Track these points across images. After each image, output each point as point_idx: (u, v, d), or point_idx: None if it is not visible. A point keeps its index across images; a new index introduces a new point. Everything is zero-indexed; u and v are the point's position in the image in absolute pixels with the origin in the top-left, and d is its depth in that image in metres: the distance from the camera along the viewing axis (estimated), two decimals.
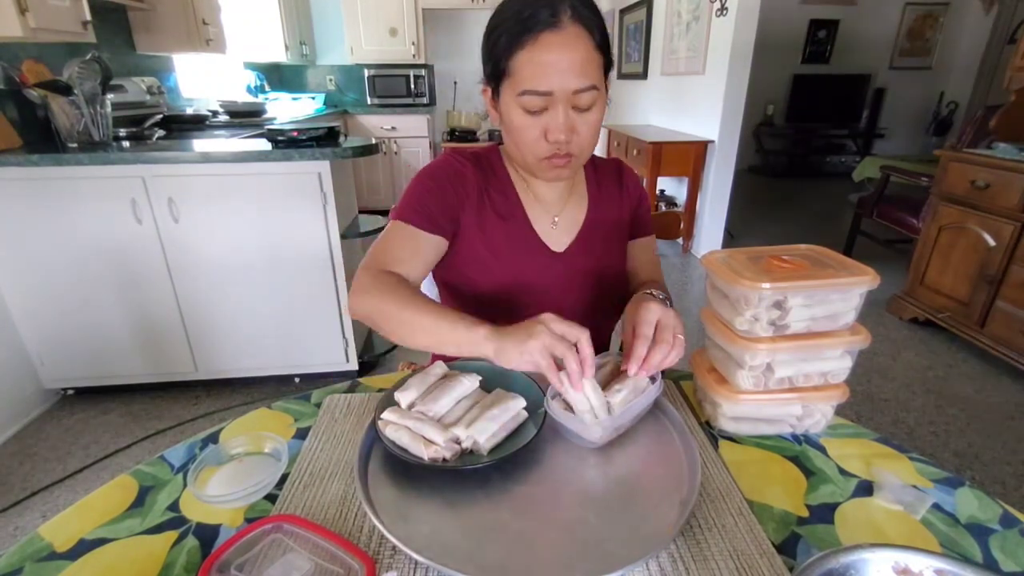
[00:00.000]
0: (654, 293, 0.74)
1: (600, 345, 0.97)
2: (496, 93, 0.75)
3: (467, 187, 0.82)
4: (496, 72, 0.72)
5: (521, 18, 0.68)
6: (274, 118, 3.36)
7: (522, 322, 0.60)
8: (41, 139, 1.97)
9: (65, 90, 1.83)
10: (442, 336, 0.64)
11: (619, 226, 0.92)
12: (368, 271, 0.73)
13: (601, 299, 0.90)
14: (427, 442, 0.57)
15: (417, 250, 0.77)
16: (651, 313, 0.64)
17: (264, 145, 1.83)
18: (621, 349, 1.12)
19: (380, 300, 0.69)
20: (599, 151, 5.62)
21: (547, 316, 0.59)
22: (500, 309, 0.84)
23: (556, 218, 0.87)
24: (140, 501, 0.56)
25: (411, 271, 0.76)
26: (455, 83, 4.99)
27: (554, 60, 0.67)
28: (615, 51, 5.13)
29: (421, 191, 0.79)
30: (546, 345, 0.56)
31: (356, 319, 0.73)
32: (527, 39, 0.67)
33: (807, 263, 0.62)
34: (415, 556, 0.46)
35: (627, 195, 0.93)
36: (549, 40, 0.67)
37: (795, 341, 0.61)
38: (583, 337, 0.58)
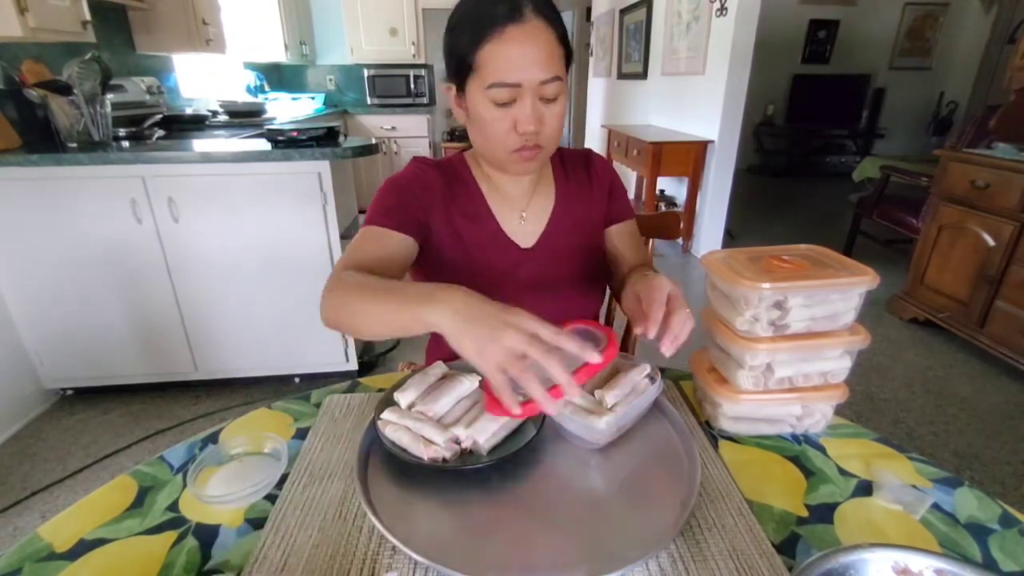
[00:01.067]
0: (657, 272, 0.72)
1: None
2: (461, 89, 0.76)
3: (432, 192, 0.83)
4: (461, 68, 0.73)
5: (482, 13, 0.69)
6: (274, 118, 3.36)
7: (491, 309, 0.51)
8: (41, 139, 1.97)
9: (65, 90, 1.83)
10: (392, 322, 0.58)
11: (590, 218, 0.92)
12: (334, 275, 0.69)
13: (577, 293, 0.90)
14: (427, 442, 0.57)
15: (384, 247, 0.76)
16: (661, 288, 0.63)
17: (264, 145, 1.83)
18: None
19: (337, 298, 0.64)
20: (598, 152, 5.60)
21: (519, 314, 0.50)
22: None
23: (523, 213, 0.88)
24: (140, 501, 0.56)
25: (381, 269, 0.73)
26: None
27: (520, 52, 0.69)
28: (615, 51, 5.15)
29: (387, 197, 0.81)
30: (513, 350, 0.48)
31: (329, 328, 0.68)
32: (493, 33, 0.68)
33: (807, 263, 0.62)
34: (415, 556, 0.46)
35: (597, 184, 0.92)
36: (514, 33, 0.68)
37: (795, 341, 0.61)
38: (564, 337, 0.49)
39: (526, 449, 0.58)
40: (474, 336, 0.49)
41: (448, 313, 0.51)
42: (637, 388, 0.64)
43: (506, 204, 0.87)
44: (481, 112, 0.73)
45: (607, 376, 0.67)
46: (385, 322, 0.59)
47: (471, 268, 0.85)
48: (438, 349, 0.97)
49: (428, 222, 0.83)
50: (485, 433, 0.58)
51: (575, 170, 0.92)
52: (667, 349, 0.60)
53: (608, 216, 0.93)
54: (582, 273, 0.90)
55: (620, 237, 0.93)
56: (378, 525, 0.49)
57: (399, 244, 0.78)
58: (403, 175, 0.84)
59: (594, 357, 0.50)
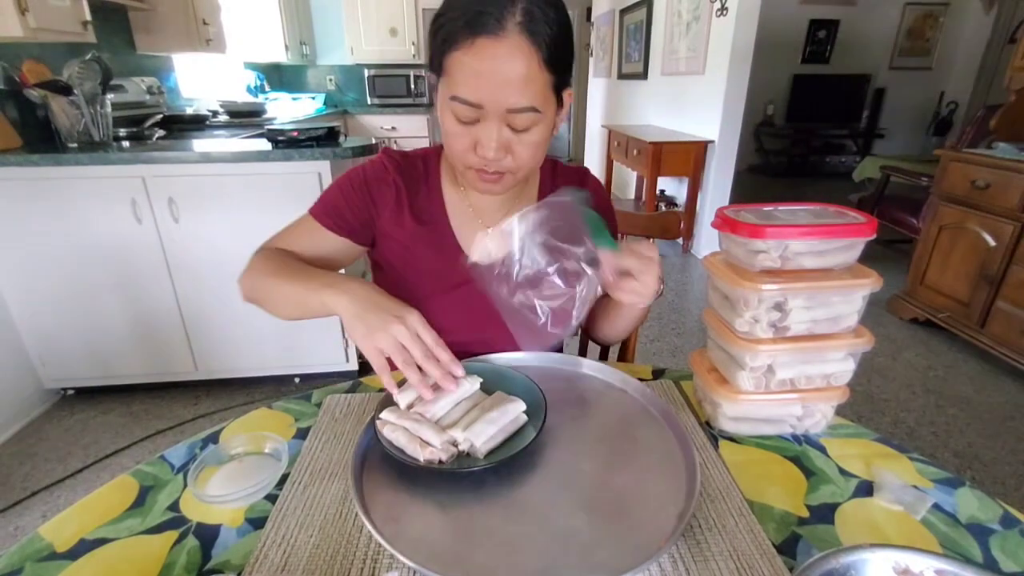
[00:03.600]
0: None
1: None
2: (436, 86, 0.69)
3: (384, 191, 0.80)
4: (433, 66, 0.66)
5: (465, 13, 0.60)
6: (274, 118, 3.36)
7: (387, 303, 0.61)
8: (41, 139, 1.97)
9: (65, 90, 1.83)
10: (298, 304, 0.67)
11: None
12: (256, 253, 0.77)
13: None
14: (423, 443, 0.57)
15: (314, 243, 0.80)
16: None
17: (264, 145, 1.83)
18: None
19: (256, 276, 0.73)
20: (599, 152, 5.63)
21: (410, 312, 0.60)
22: (437, 309, 0.81)
23: (489, 229, 0.81)
24: (140, 501, 0.56)
25: (302, 256, 0.79)
26: None
27: (487, 70, 0.60)
28: (615, 51, 5.15)
29: (337, 193, 0.81)
30: (396, 341, 0.57)
31: (246, 301, 0.76)
32: (463, 39, 0.60)
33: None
34: (405, 560, 0.45)
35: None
36: (485, 46, 0.59)
37: (796, 343, 0.61)
38: (441, 348, 0.59)
39: (523, 453, 0.58)
40: (366, 321, 0.59)
41: (346, 299, 0.61)
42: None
43: (472, 214, 0.83)
44: (444, 121, 0.67)
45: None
46: (292, 303, 0.68)
47: (414, 273, 0.82)
48: None
49: (375, 223, 0.82)
50: (483, 436, 0.58)
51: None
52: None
53: None
54: None
55: None
56: (368, 525, 0.48)
57: (333, 245, 0.80)
58: (362, 168, 0.82)
59: (456, 383, 0.61)
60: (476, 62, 0.60)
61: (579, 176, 0.89)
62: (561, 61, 0.65)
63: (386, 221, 0.81)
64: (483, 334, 0.83)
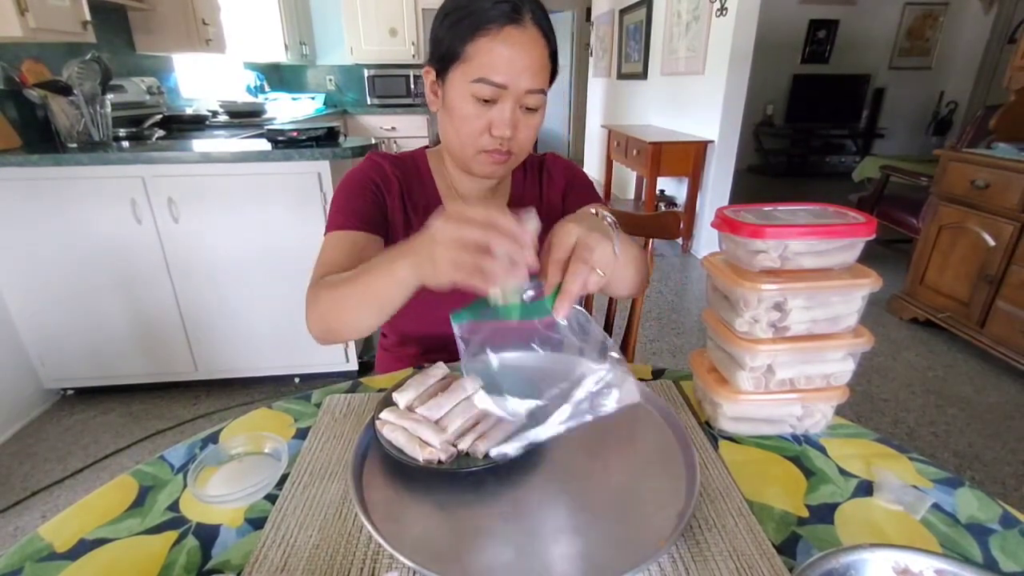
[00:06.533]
0: (594, 211, 0.64)
1: None
2: (441, 76, 0.74)
3: (389, 184, 0.84)
4: (448, 55, 0.71)
5: (482, 6, 0.68)
6: (274, 118, 3.36)
7: (423, 235, 0.52)
8: (41, 139, 1.97)
9: (65, 90, 1.83)
10: (373, 296, 0.60)
11: (543, 219, 0.91)
12: (310, 288, 0.71)
13: None
14: (423, 443, 0.57)
15: (355, 250, 0.77)
16: (568, 235, 0.54)
17: (264, 145, 1.83)
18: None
19: (320, 303, 0.67)
20: (598, 152, 5.63)
21: (449, 214, 0.50)
22: (432, 301, 0.76)
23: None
24: (140, 501, 0.56)
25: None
26: None
27: (514, 55, 0.68)
28: (615, 51, 5.15)
29: (348, 197, 0.81)
30: (458, 244, 0.48)
31: (324, 342, 0.71)
32: (492, 28, 0.68)
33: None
34: (404, 560, 0.45)
35: (551, 181, 0.92)
36: (512, 34, 0.68)
37: (796, 343, 0.61)
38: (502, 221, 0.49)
39: (523, 453, 0.58)
40: (421, 255, 0.52)
41: (405, 260, 0.55)
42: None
43: (461, 203, 0.87)
44: (458, 104, 0.72)
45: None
46: (367, 300, 0.62)
47: None
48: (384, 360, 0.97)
49: (387, 217, 0.84)
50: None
51: (531, 174, 0.93)
52: (556, 312, 0.52)
53: (566, 207, 0.91)
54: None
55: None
56: (368, 525, 0.48)
57: (368, 243, 0.79)
58: (358, 170, 0.84)
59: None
60: (505, 48, 0.68)
61: (539, 160, 0.94)
62: (557, 55, 0.75)
63: (394, 215, 0.85)
64: None
